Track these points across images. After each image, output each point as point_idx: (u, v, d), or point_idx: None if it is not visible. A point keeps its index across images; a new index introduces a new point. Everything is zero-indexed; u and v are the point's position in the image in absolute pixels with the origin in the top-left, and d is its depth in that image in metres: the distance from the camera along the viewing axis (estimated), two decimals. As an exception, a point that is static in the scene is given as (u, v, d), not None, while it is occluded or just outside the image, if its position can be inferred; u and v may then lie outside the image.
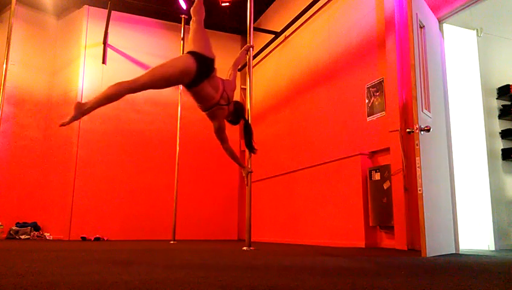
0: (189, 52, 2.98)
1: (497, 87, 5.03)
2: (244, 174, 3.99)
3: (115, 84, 2.64)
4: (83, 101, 2.62)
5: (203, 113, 3.24)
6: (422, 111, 3.35)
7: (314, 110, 6.08)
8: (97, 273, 1.79)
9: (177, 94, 6.64)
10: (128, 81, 2.67)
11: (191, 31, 3.11)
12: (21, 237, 6.91)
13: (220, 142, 3.38)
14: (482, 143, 4.81)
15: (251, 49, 4.39)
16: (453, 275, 1.89)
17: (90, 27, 7.78)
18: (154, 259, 2.74)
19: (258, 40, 7.71)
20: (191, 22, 3.12)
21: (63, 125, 2.54)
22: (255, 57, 7.84)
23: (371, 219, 4.55)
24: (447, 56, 4.30)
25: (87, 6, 7.82)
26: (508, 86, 4.98)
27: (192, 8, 3.15)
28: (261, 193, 6.97)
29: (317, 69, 6.09)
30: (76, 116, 2.56)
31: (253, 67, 4.37)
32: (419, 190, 3.12)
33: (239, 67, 3.92)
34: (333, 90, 5.67)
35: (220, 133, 3.31)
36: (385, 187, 4.40)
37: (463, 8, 3.94)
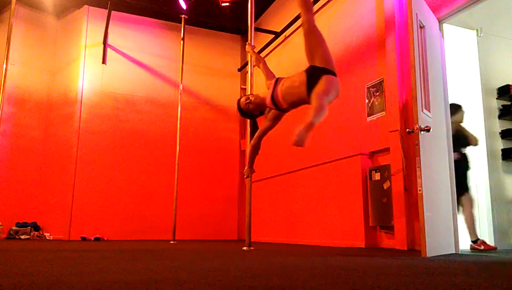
0: (332, 74, 2.79)
1: (497, 87, 5.03)
2: (247, 174, 3.90)
3: (324, 97, 2.61)
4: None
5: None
6: (422, 111, 3.35)
7: (314, 110, 6.06)
8: (97, 273, 1.79)
9: (177, 94, 6.61)
10: (324, 95, 2.63)
11: (311, 38, 2.82)
12: (21, 237, 6.92)
13: (258, 139, 3.45)
14: (482, 143, 4.81)
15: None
16: (453, 275, 1.89)
17: (90, 27, 7.78)
18: (154, 259, 2.74)
19: (258, 40, 7.70)
20: (303, 22, 2.85)
21: (299, 145, 2.27)
22: (255, 57, 7.82)
23: (371, 219, 4.54)
24: (447, 56, 4.29)
25: (87, 6, 7.82)
26: (508, 86, 4.97)
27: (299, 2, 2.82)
28: (261, 193, 6.97)
29: (317, 69, 6.08)
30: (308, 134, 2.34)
31: (254, 67, 4.37)
32: (419, 190, 3.12)
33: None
34: (333, 90, 5.65)
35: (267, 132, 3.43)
36: (385, 187, 4.40)
37: (463, 8, 3.94)
